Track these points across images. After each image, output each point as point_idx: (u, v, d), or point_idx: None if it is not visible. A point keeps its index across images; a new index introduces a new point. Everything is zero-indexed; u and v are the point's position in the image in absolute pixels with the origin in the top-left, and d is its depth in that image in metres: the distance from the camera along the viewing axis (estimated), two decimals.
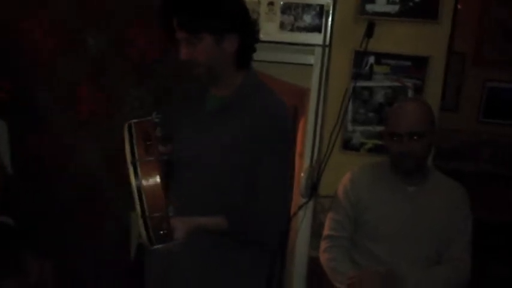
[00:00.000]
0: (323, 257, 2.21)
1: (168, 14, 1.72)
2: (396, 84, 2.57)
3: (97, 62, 2.60)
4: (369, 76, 2.59)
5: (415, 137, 2.04)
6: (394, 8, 2.52)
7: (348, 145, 2.66)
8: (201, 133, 1.80)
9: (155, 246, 1.56)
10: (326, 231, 2.24)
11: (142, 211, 1.51)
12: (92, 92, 2.64)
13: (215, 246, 1.77)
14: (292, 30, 2.60)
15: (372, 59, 2.57)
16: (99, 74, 2.62)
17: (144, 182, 1.52)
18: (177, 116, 1.88)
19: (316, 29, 2.58)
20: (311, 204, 2.70)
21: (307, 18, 2.59)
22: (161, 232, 1.54)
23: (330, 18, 2.57)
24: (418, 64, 2.55)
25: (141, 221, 1.52)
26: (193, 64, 1.73)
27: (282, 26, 2.60)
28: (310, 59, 2.63)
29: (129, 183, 1.53)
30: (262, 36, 1.90)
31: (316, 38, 2.59)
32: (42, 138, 2.65)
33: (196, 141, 1.79)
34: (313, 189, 2.65)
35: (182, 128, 1.85)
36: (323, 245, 2.23)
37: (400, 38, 2.55)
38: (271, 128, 1.73)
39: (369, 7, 2.53)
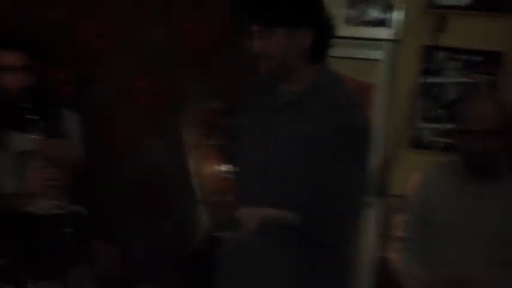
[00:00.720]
0: (392, 258, 2.16)
1: (240, 6, 1.72)
2: (468, 80, 2.48)
3: (156, 54, 2.67)
4: (439, 72, 2.51)
5: (488, 135, 1.96)
6: (464, 1, 2.43)
7: (417, 143, 2.58)
8: (269, 127, 1.77)
9: (221, 233, 1.56)
10: (395, 232, 2.19)
11: (204, 196, 1.51)
12: (151, 84, 2.72)
13: (285, 241, 1.73)
14: (358, 24, 2.55)
15: (442, 54, 2.49)
16: (158, 67, 2.69)
17: (204, 167, 1.51)
18: (244, 109, 1.87)
19: (383, 23, 2.52)
20: (379, 204, 2.65)
21: (374, 12, 2.53)
22: (226, 218, 1.54)
23: (397, 12, 2.51)
24: (491, 59, 2.43)
25: (203, 207, 1.52)
26: (264, 57, 1.71)
27: (348, 20, 2.56)
28: (376, 54, 2.58)
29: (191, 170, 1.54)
30: None
31: (384, 33, 2.53)
32: (106, 130, 2.77)
33: (264, 135, 1.77)
34: (381, 188, 2.60)
35: (249, 120, 1.84)
36: (392, 246, 2.18)
37: (471, 32, 2.44)
38: (344, 126, 1.67)
39: (438, 0, 2.45)
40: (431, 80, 2.52)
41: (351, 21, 2.56)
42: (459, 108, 2.17)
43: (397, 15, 2.51)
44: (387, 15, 2.51)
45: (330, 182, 1.68)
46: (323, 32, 1.73)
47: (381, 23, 2.53)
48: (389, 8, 2.50)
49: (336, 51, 2.54)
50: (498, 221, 2.01)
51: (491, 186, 2.04)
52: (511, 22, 2.39)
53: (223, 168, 1.51)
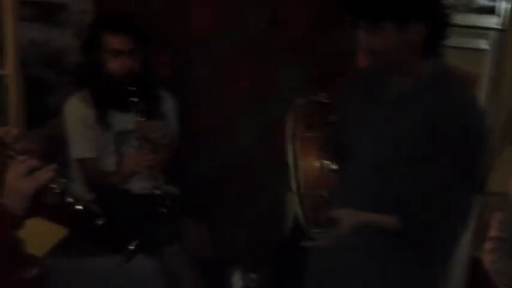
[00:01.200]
0: (486, 259, 2.06)
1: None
2: None
3: (256, 41, 2.68)
4: None
5: None
6: None
7: None
8: (378, 122, 1.70)
9: (313, 230, 1.54)
10: (492, 232, 2.09)
11: (298, 188, 1.49)
12: (250, 70, 2.73)
13: (381, 241, 1.67)
14: (464, 12, 2.43)
15: None
16: (257, 53, 2.70)
17: (301, 159, 1.50)
18: (348, 102, 1.82)
19: (491, 11, 2.38)
20: (477, 201, 2.53)
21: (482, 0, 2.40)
22: (320, 215, 1.52)
23: (506, 0, 2.36)
24: None
25: (296, 198, 1.51)
26: (372, 53, 1.63)
27: (455, 7, 2.43)
28: (482, 44, 2.44)
29: (287, 161, 1.52)
30: None
31: (491, 21, 2.39)
32: (201, 113, 2.82)
33: (373, 130, 1.71)
34: (480, 185, 2.48)
35: (355, 113, 1.78)
36: (487, 246, 2.08)
37: None
38: (456, 123, 1.57)
39: None
40: None
41: (457, 8, 2.43)
42: None
43: (505, 4, 2.36)
44: (496, 3, 2.37)
45: (442, 177, 1.59)
46: (437, 23, 1.61)
47: (488, 11, 2.39)
48: None
49: None
50: None
51: None
52: None
53: (322, 162, 1.48)
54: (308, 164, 1.49)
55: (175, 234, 2.32)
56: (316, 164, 1.50)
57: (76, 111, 2.39)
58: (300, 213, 1.53)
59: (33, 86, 2.62)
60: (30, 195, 1.48)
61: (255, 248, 2.79)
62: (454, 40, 2.42)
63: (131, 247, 1.56)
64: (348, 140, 1.73)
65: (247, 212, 2.85)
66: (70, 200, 1.52)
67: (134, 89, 2.27)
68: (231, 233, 2.81)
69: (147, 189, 2.38)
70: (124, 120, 2.39)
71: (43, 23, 2.66)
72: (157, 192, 2.30)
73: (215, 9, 2.73)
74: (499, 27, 2.37)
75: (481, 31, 2.42)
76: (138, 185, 2.43)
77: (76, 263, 1.94)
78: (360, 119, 1.76)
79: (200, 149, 2.84)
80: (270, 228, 2.71)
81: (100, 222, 1.53)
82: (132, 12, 2.46)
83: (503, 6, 2.35)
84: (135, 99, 2.27)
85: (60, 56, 2.76)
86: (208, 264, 2.45)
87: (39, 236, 1.96)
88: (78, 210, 1.52)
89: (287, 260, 2.07)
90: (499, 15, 2.37)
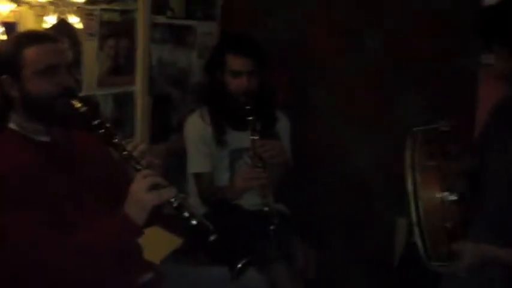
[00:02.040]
0: None
1: (484, 25, 1.62)
2: None
3: (374, 63, 2.68)
4: None
5: None
6: None
7: None
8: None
9: (432, 263, 1.49)
10: None
11: (419, 218, 1.46)
12: (367, 93, 2.73)
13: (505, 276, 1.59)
14: None
15: None
16: (375, 76, 2.70)
17: (421, 188, 1.46)
18: (489, 130, 1.77)
19: None
20: None
21: None
22: (441, 248, 1.47)
23: None
24: None
25: (416, 230, 1.47)
26: (508, 78, 1.61)
27: None
28: None
29: (400, 188, 1.50)
30: None
31: None
32: (316, 134, 2.86)
33: (506, 158, 1.65)
34: None
35: (492, 142, 1.73)
36: None
37: None
38: None
39: None
40: None
41: None
42: None
43: None
44: None
45: None
46: None
47: None
48: None
49: None
50: None
51: None
52: None
53: (444, 193, 1.44)
54: (429, 194, 1.45)
55: (283, 252, 2.35)
56: (438, 195, 1.46)
57: (195, 128, 2.52)
58: (420, 244, 1.48)
59: (159, 102, 2.81)
60: (151, 209, 1.59)
61: (364, 272, 2.76)
62: None
63: (240, 265, 1.61)
64: (482, 169, 1.68)
65: (356, 237, 2.83)
66: (186, 215, 1.60)
67: (251, 108, 2.36)
68: (340, 256, 2.80)
69: (257, 205, 2.44)
70: (239, 138, 2.48)
71: (171, 44, 2.85)
72: (266, 209, 2.36)
73: (331, 31, 2.77)
74: None
75: None
76: (249, 201, 2.49)
77: (189, 271, 2.03)
78: (497, 148, 1.71)
79: (313, 170, 2.87)
80: (380, 256, 2.67)
81: (212, 238, 1.60)
82: (253, 35, 2.55)
83: None
84: (252, 118, 2.36)
85: (184, 76, 2.94)
86: (315, 285, 2.46)
87: (156, 244, 2.07)
88: (193, 225, 1.60)
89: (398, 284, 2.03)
90: None
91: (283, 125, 2.61)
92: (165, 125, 2.88)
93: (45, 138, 1.74)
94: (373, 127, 2.73)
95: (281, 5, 2.92)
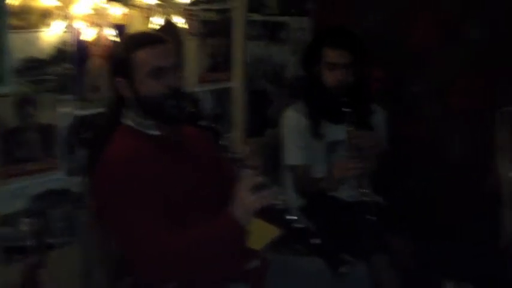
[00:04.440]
0: None
1: None
2: None
3: (475, 54, 2.62)
4: None
5: None
6: None
7: None
8: None
9: None
10: None
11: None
12: (467, 85, 2.68)
13: None
14: None
15: None
16: (476, 67, 2.64)
17: None
18: None
19: None
20: None
21: None
22: None
23: None
24: None
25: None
26: None
27: None
28: None
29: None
30: None
31: None
32: (413, 126, 2.83)
33: None
34: None
35: None
36: None
37: None
38: None
39: None
40: None
41: None
42: None
43: None
44: None
45: None
46: None
47: None
48: None
49: None
50: None
51: None
52: None
53: None
54: None
55: (382, 243, 2.36)
56: None
57: (291, 121, 2.56)
58: None
59: (255, 97, 2.89)
60: (254, 211, 1.65)
61: (469, 260, 2.71)
62: None
63: (344, 267, 1.65)
64: None
65: (456, 227, 2.78)
66: (290, 217, 1.66)
67: (346, 100, 2.38)
68: (441, 245, 2.76)
69: (355, 196, 2.46)
70: (335, 131, 2.50)
71: (266, 40, 2.93)
72: (366, 199, 2.36)
73: (431, 22, 2.74)
74: None
75: None
76: (346, 193, 2.51)
77: (289, 261, 2.08)
78: None
79: (411, 162, 2.85)
80: (483, 243, 2.61)
81: (315, 241, 1.64)
82: (349, 28, 2.57)
83: None
84: (348, 110, 2.37)
85: (279, 71, 3.00)
86: (415, 276, 2.44)
87: (257, 233, 2.13)
88: (296, 227, 1.66)
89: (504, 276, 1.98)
90: None
91: (379, 116, 2.61)
92: (261, 120, 2.96)
93: (156, 132, 1.85)
94: (472, 119, 2.68)
95: None
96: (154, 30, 2.25)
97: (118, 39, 2.09)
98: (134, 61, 1.75)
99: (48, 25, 2.00)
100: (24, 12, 1.93)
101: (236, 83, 2.78)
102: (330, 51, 2.45)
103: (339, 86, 2.42)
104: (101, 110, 2.13)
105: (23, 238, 1.97)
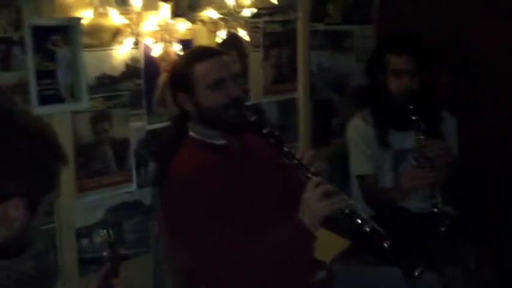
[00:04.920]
0: None
1: None
2: None
3: None
4: None
5: None
6: None
7: None
8: None
9: None
10: None
11: None
12: None
13: None
14: None
15: None
16: None
17: None
18: None
19: None
20: None
21: None
22: None
23: None
24: None
25: None
26: None
27: None
28: None
29: None
30: None
31: None
32: (484, 133, 2.74)
33: None
34: None
35: None
36: None
37: None
38: None
39: None
40: None
41: None
42: None
43: None
44: None
45: None
46: None
47: None
48: None
49: None
50: None
51: None
52: None
53: None
54: None
55: (454, 254, 2.29)
56: None
57: (357, 130, 2.53)
58: None
59: (319, 107, 2.89)
60: (323, 218, 1.64)
61: None
62: None
63: (417, 272, 1.61)
64: None
65: None
66: (359, 221, 1.64)
67: (413, 107, 2.33)
68: None
69: (424, 208, 2.40)
70: (403, 139, 2.45)
71: (330, 50, 2.93)
72: (436, 210, 2.31)
73: (495, 28, 2.67)
74: None
75: None
76: (416, 203, 2.46)
77: (358, 271, 2.06)
78: None
79: (482, 171, 2.76)
80: None
81: (387, 244, 1.62)
82: (413, 34, 2.53)
83: None
84: (416, 118, 2.32)
85: (344, 80, 2.99)
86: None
87: (325, 244, 2.12)
88: (367, 231, 1.63)
89: None
90: None
91: (449, 124, 2.54)
92: (326, 129, 2.95)
93: (221, 142, 1.88)
94: None
95: (440, 2, 2.87)
96: (219, 44, 2.29)
97: (179, 56, 2.15)
98: (194, 75, 1.80)
99: (118, 43, 2.08)
100: (96, 31, 2.01)
101: (301, 93, 2.79)
102: (394, 57, 2.41)
103: (405, 93, 2.38)
104: (167, 123, 2.18)
105: (98, 249, 2.04)
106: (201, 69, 1.80)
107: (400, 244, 1.65)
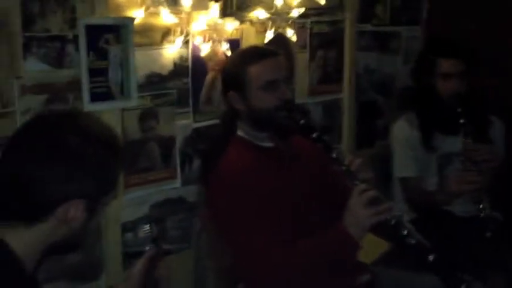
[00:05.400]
0: None
1: None
2: None
3: None
4: None
5: None
6: None
7: None
8: None
9: None
10: None
11: None
12: None
13: None
14: None
15: None
16: None
17: None
18: None
19: None
20: None
21: None
22: None
23: None
24: None
25: None
26: None
27: None
28: None
29: None
30: None
31: None
32: None
33: None
34: None
35: None
36: None
37: None
38: None
39: None
40: None
41: None
42: None
43: None
44: None
45: None
46: None
47: None
48: None
49: None
50: None
51: None
52: None
53: None
54: None
55: (500, 261, 2.25)
56: None
57: (402, 132, 2.51)
58: None
59: (364, 109, 2.87)
60: (368, 227, 1.63)
61: None
62: None
63: (461, 278, 1.59)
64: None
65: None
66: (404, 233, 1.62)
67: (462, 110, 2.29)
68: None
69: (470, 212, 2.37)
70: (449, 143, 2.43)
71: (377, 51, 2.91)
72: (482, 215, 2.27)
73: None
74: None
75: None
76: (461, 207, 2.42)
77: (399, 275, 2.03)
78: None
79: None
80: None
81: (432, 258, 1.59)
82: (461, 35, 2.50)
83: None
84: (463, 121, 2.29)
85: (390, 81, 2.96)
86: None
87: (367, 246, 2.11)
88: (412, 244, 1.61)
89: None
90: None
91: (497, 129, 2.50)
92: (370, 131, 2.93)
93: (269, 144, 1.88)
94: None
95: (489, 5, 2.81)
96: (266, 43, 2.30)
97: (232, 54, 2.16)
98: (247, 76, 1.80)
99: (168, 42, 2.10)
100: (147, 30, 2.04)
101: (346, 94, 2.77)
102: (443, 61, 2.39)
103: (454, 96, 2.35)
104: (213, 122, 2.21)
105: (142, 244, 2.07)
106: (254, 70, 1.80)
107: (445, 254, 1.63)
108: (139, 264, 1.51)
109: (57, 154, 1.14)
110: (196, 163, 2.23)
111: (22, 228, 1.16)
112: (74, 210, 1.16)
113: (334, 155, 1.73)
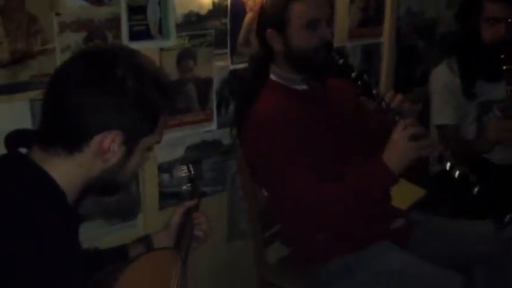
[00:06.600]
0: None
1: None
2: None
3: None
4: None
5: None
6: None
7: None
8: None
9: None
10: None
11: None
12: None
13: None
14: None
15: None
16: None
17: None
18: None
19: None
20: None
21: None
22: None
23: None
24: None
25: None
26: None
27: None
28: None
29: None
30: None
31: None
32: None
33: None
34: None
35: None
36: None
37: None
38: None
39: None
40: None
41: None
42: None
43: None
44: None
45: None
46: None
47: None
48: None
49: None
50: None
51: None
52: None
53: None
54: None
55: None
56: None
57: (442, 78, 2.45)
58: None
59: (404, 53, 2.80)
60: (410, 160, 1.60)
61: None
62: None
63: (508, 218, 1.56)
64: None
65: None
66: (448, 165, 1.59)
67: (506, 56, 2.23)
68: None
69: (508, 159, 2.35)
70: (490, 90, 2.38)
71: None
72: None
73: None
74: None
75: None
76: (500, 155, 2.39)
77: (434, 221, 2.02)
78: None
79: None
80: None
81: (476, 190, 1.57)
82: None
83: None
84: (507, 67, 2.23)
85: (432, 26, 2.88)
86: None
87: (401, 193, 2.10)
88: (456, 176, 1.58)
89: None
90: None
91: None
92: (409, 77, 2.87)
93: (303, 87, 1.86)
94: None
95: None
96: None
97: None
98: (290, 13, 1.77)
99: None
100: None
101: (386, 38, 2.70)
102: (491, 4, 2.30)
103: (499, 41, 2.28)
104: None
105: (178, 184, 2.09)
106: (298, 7, 1.76)
107: (491, 191, 1.61)
108: (177, 216, 1.53)
109: (102, 82, 1.12)
110: (232, 106, 2.23)
111: (60, 158, 1.14)
112: (110, 141, 1.13)
113: (374, 92, 1.71)
